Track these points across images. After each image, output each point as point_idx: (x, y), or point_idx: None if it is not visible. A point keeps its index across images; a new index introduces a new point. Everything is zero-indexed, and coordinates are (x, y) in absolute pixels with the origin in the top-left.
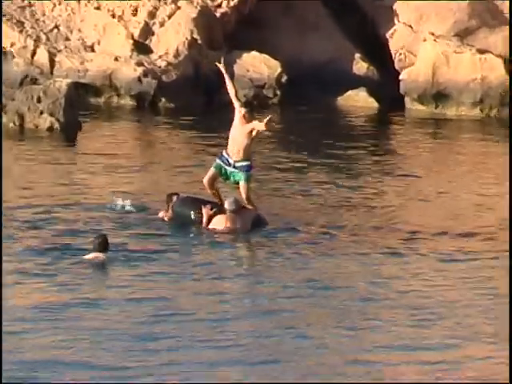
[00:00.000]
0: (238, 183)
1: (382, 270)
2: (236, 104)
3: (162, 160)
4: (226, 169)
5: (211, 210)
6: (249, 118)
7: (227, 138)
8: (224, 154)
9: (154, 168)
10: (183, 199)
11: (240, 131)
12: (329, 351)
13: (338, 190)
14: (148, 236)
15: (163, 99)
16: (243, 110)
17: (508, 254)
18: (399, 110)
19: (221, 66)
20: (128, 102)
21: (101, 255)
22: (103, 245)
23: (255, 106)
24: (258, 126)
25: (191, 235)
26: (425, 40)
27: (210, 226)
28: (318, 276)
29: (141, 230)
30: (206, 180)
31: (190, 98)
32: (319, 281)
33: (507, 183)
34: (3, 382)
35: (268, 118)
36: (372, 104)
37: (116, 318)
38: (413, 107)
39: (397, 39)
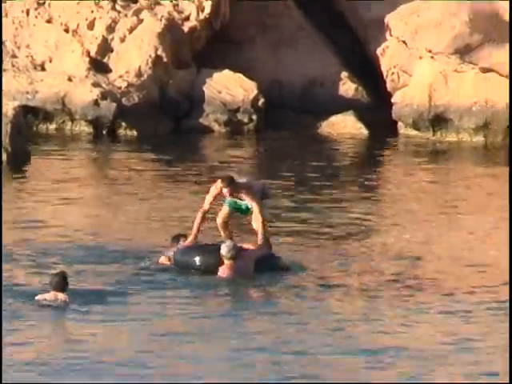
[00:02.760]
0: (251, 213)
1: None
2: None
3: (125, 196)
4: (235, 201)
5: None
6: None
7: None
8: None
9: (117, 205)
10: (184, 247)
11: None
12: None
13: (326, 228)
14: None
15: (124, 125)
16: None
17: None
18: (392, 136)
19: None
20: (83, 128)
21: (60, 295)
22: (62, 283)
23: (228, 132)
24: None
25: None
26: (421, 58)
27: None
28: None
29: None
30: (219, 220)
31: (154, 124)
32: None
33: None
34: (3, 382)
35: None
36: (361, 130)
37: None
38: (407, 133)
39: (389, 57)
